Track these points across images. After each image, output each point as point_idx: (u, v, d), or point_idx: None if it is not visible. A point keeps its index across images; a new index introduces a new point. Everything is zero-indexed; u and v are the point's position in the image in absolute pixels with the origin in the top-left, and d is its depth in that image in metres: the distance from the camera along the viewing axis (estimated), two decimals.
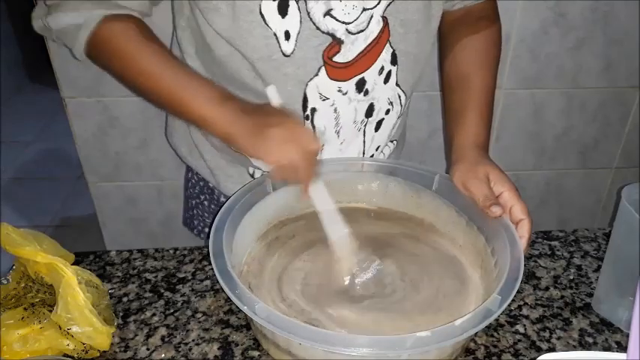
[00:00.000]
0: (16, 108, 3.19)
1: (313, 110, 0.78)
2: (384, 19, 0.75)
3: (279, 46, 0.72)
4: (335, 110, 0.79)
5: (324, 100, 0.77)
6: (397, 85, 0.82)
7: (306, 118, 0.78)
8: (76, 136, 1.32)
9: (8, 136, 2.89)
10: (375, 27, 0.75)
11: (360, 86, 0.78)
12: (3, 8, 3.16)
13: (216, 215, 0.69)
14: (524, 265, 0.64)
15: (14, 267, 0.71)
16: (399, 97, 0.83)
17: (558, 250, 0.84)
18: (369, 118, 0.82)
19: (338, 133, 0.81)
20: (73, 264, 0.67)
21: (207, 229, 1.00)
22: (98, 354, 0.66)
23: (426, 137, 1.40)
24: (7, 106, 3.13)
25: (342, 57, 0.75)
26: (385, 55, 0.78)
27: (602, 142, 1.47)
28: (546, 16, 1.27)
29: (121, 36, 0.72)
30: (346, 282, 0.71)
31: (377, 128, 0.84)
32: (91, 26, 0.72)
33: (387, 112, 0.83)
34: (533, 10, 1.25)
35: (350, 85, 0.77)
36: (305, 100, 0.77)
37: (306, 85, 0.75)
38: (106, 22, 0.72)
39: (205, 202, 0.97)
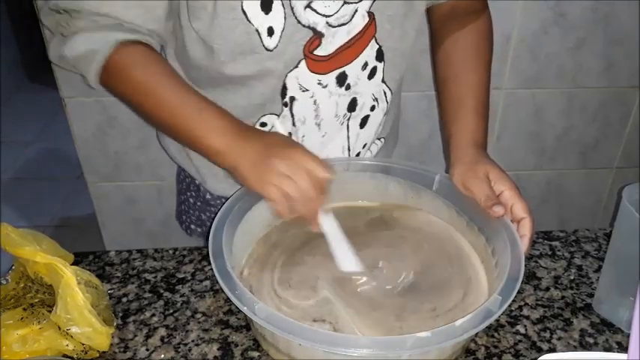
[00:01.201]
0: (15, 108, 3.18)
1: (292, 99, 0.78)
2: (371, 14, 0.75)
3: (262, 42, 0.71)
4: (314, 102, 0.79)
5: (303, 91, 0.77)
6: (383, 81, 0.81)
7: (285, 105, 0.78)
8: (75, 136, 1.31)
9: (8, 136, 2.89)
10: (360, 21, 0.74)
11: (341, 80, 0.78)
12: (3, 8, 3.16)
13: (203, 212, 0.69)
14: (525, 266, 0.64)
15: (13, 267, 0.71)
16: (385, 93, 0.83)
17: (559, 251, 0.84)
18: (352, 113, 0.82)
19: (319, 125, 0.81)
20: (72, 264, 0.67)
21: (192, 226, 1.01)
22: (97, 354, 0.66)
23: (426, 137, 1.40)
24: (7, 106, 3.13)
25: (323, 50, 0.75)
26: (370, 51, 0.77)
27: (602, 142, 1.47)
28: (547, 16, 1.27)
29: (134, 63, 0.72)
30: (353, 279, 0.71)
31: (362, 125, 0.84)
32: (106, 51, 0.70)
33: (372, 108, 0.83)
34: (533, 10, 1.25)
35: (330, 78, 0.77)
36: (284, 89, 0.77)
37: (286, 75, 0.75)
38: (120, 48, 0.71)
39: (191, 199, 0.98)
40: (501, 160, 0.80)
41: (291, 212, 0.66)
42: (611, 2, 1.26)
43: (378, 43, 0.77)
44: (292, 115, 0.79)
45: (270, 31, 0.71)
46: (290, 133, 0.81)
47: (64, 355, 0.64)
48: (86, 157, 1.35)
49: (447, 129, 0.81)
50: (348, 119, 0.83)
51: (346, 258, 0.71)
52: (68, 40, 0.72)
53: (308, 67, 0.75)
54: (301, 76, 0.76)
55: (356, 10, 0.73)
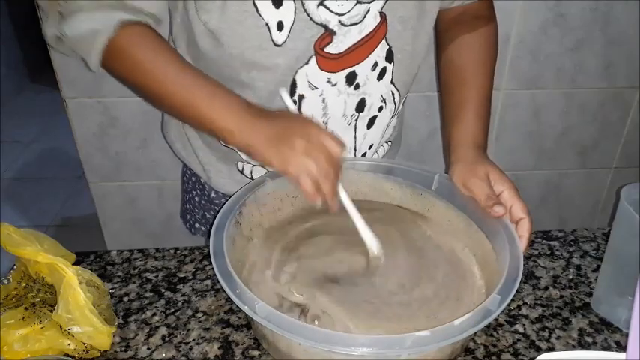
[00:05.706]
0: (16, 108, 3.19)
1: (301, 97, 0.78)
2: (382, 15, 0.75)
3: (271, 36, 0.71)
4: (323, 100, 0.79)
5: (312, 89, 0.77)
6: (392, 82, 0.82)
7: (294, 102, 0.78)
8: (76, 136, 1.32)
9: (9, 136, 2.89)
10: (372, 21, 0.75)
11: (351, 79, 0.78)
12: (3, 8, 3.16)
13: (208, 211, 0.69)
14: (524, 265, 0.64)
15: (15, 267, 0.71)
16: (393, 94, 0.83)
17: (557, 250, 0.84)
18: (360, 114, 0.82)
19: (326, 123, 0.81)
20: (73, 264, 0.67)
21: (197, 224, 1.02)
22: (99, 354, 0.66)
23: (426, 137, 1.40)
24: (8, 106, 3.14)
25: (334, 48, 0.75)
26: (380, 52, 0.78)
27: (601, 142, 1.47)
28: (546, 17, 1.27)
29: (138, 44, 0.71)
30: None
31: (369, 125, 0.85)
32: (109, 32, 0.70)
33: (380, 109, 0.83)
34: (532, 10, 1.26)
35: (340, 77, 0.77)
36: (293, 85, 0.77)
37: (296, 72, 0.76)
38: (122, 29, 0.70)
39: (196, 198, 0.98)
40: (500, 160, 0.80)
41: (316, 190, 0.66)
42: (610, 2, 1.26)
43: (388, 44, 0.78)
44: (300, 113, 0.79)
45: (280, 26, 0.71)
46: None
47: (66, 355, 0.65)
48: (87, 157, 1.35)
49: (448, 130, 0.81)
50: (356, 120, 0.83)
51: (372, 237, 0.72)
52: (68, 19, 0.70)
53: (318, 65, 0.75)
54: (311, 73, 0.76)
55: (368, 10, 0.73)
